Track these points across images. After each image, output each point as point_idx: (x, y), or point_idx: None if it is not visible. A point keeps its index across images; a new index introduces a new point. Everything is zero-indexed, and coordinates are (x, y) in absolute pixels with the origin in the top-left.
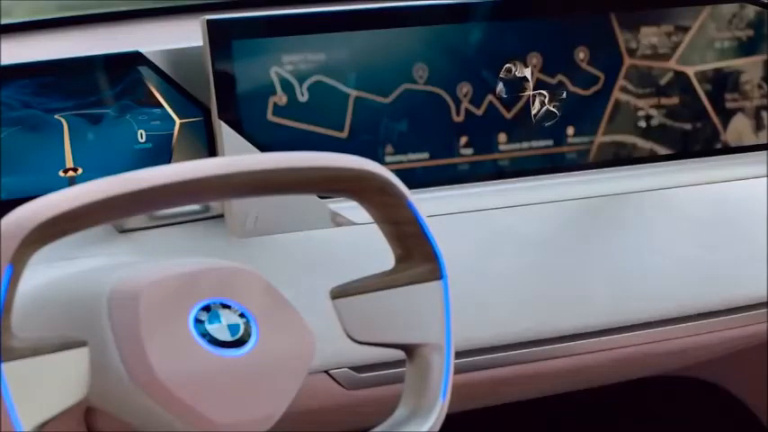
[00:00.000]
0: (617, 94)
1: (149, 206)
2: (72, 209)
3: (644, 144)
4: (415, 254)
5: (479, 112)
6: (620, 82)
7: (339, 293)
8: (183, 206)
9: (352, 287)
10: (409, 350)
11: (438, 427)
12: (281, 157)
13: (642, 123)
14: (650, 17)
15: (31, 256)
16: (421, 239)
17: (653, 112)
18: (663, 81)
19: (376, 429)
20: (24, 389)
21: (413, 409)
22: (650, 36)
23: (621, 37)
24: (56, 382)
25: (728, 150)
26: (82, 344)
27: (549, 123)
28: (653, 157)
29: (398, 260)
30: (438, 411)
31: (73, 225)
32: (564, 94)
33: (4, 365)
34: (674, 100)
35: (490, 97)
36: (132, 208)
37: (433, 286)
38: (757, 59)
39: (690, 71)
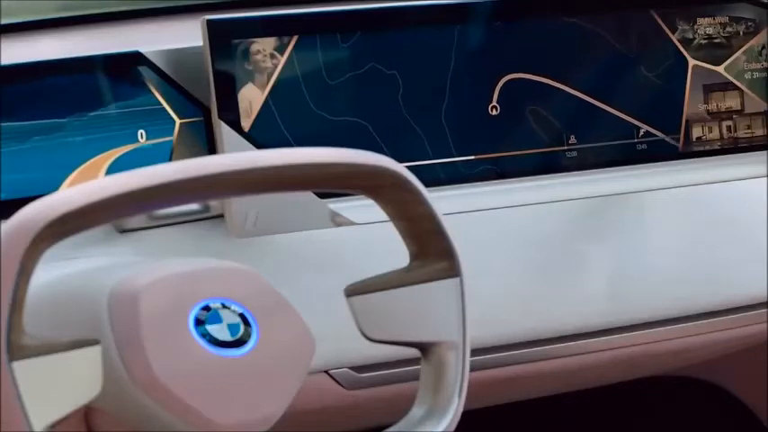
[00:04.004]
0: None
1: (162, 203)
2: (84, 205)
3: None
4: (431, 251)
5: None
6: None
7: (354, 291)
8: (196, 203)
9: (368, 284)
10: (425, 348)
11: (454, 426)
12: (297, 153)
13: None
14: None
15: (42, 253)
16: (437, 236)
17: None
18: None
19: (391, 429)
20: (36, 388)
21: (428, 408)
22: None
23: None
24: (68, 380)
25: (728, 150)
26: (94, 342)
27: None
28: (652, 158)
29: (414, 257)
30: (454, 411)
31: (84, 222)
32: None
33: (17, 364)
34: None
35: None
36: (145, 204)
37: (450, 284)
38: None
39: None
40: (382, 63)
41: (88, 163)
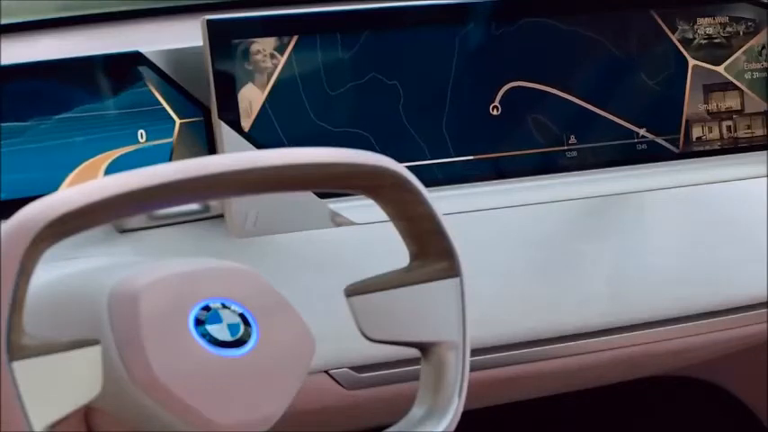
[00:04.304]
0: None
1: (162, 203)
2: (84, 205)
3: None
4: (431, 251)
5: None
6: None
7: (354, 291)
8: (196, 203)
9: (368, 284)
10: (425, 348)
11: (454, 426)
12: (297, 153)
13: None
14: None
15: (42, 253)
16: (437, 236)
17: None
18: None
19: (391, 429)
20: (36, 388)
21: (428, 408)
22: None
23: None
24: (68, 380)
25: (728, 150)
26: (94, 342)
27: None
28: (652, 158)
29: (413, 257)
30: (454, 411)
31: (84, 222)
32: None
33: (17, 364)
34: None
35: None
36: (145, 204)
37: (450, 284)
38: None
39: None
40: (383, 73)
41: (87, 163)
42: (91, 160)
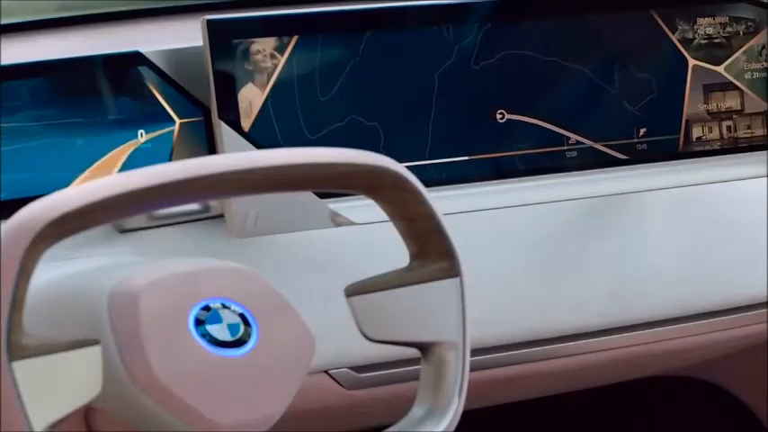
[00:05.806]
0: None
1: (162, 203)
2: (84, 205)
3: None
4: (431, 251)
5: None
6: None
7: (354, 291)
8: (196, 203)
9: (368, 285)
10: (425, 348)
11: (454, 426)
12: (297, 153)
13: None
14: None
15: (42, 253)
16: (437, 236)
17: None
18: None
19: (391, 429)
20: (36, 387)
21: (428, 408)
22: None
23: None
24: (68, 380)
25: (728, 150)
26: (94, 342)
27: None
28: (652, 158)
29: (413, 257)
30: (454, 411)
31: (84, 222)
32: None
33: (17, 364)
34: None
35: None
36: (145, 204)
37: (450, 284)
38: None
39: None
40: (363, 115)
41: (98, 163)
42: (102, 160)
